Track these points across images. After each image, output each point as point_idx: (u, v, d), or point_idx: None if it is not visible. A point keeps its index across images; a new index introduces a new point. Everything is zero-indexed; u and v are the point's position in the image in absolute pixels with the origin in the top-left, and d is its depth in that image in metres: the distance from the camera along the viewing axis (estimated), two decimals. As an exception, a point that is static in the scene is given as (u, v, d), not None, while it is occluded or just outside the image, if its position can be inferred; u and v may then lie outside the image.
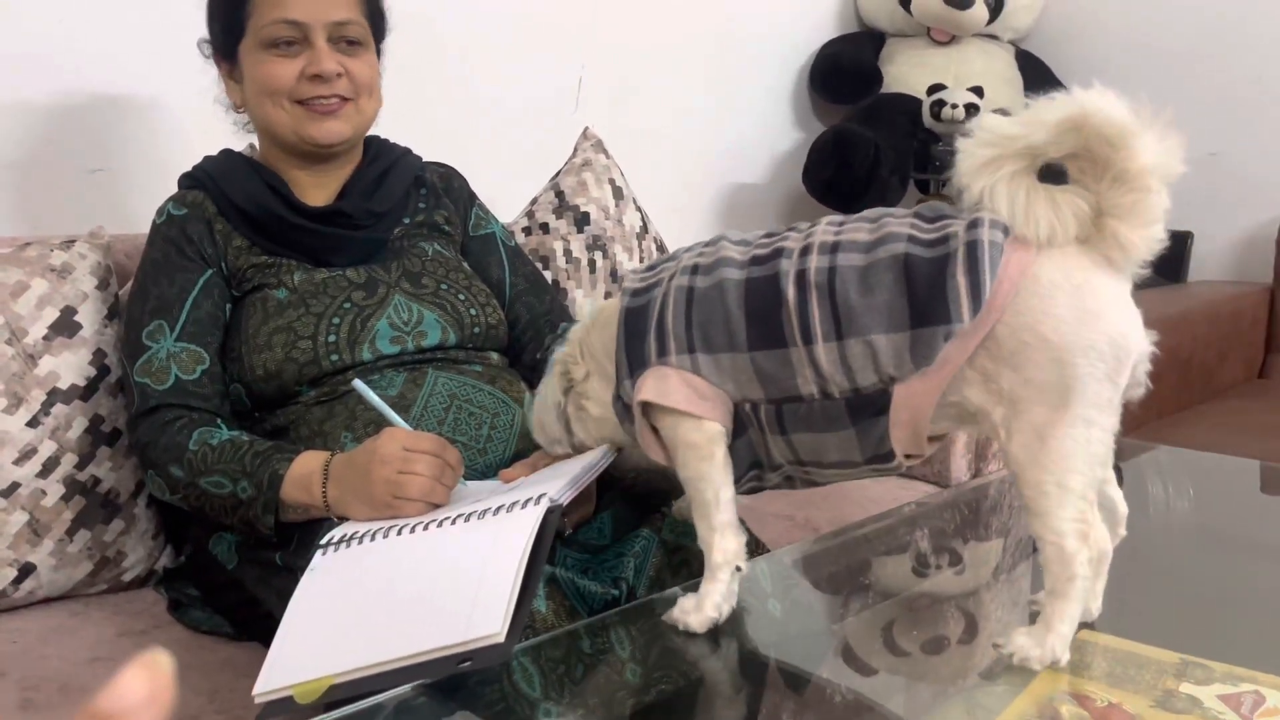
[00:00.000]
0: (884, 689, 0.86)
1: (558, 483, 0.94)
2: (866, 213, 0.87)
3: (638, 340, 0.89)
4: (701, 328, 0.86)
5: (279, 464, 1.09)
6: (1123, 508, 0.88)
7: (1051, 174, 0.80)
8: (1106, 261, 0.77)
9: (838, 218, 0.87)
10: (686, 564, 1.04)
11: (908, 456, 0.86)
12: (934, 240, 0.80)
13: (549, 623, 0.93)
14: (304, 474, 1.07)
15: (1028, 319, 0.76)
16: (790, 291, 0.82)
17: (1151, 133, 0.74)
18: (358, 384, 1.09)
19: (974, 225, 0.78)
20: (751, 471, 0.91)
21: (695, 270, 0.88)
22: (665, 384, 0.87)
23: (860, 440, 0.84)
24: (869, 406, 0.82)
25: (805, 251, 0.84)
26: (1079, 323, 0.75)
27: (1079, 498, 0.76)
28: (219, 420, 1.18)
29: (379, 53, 1.32)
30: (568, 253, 1.78)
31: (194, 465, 1.12)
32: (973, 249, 0.77)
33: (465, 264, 1.37)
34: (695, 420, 0.87)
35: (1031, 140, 0.75)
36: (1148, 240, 0.76)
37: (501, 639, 0.77)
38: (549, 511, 0.88)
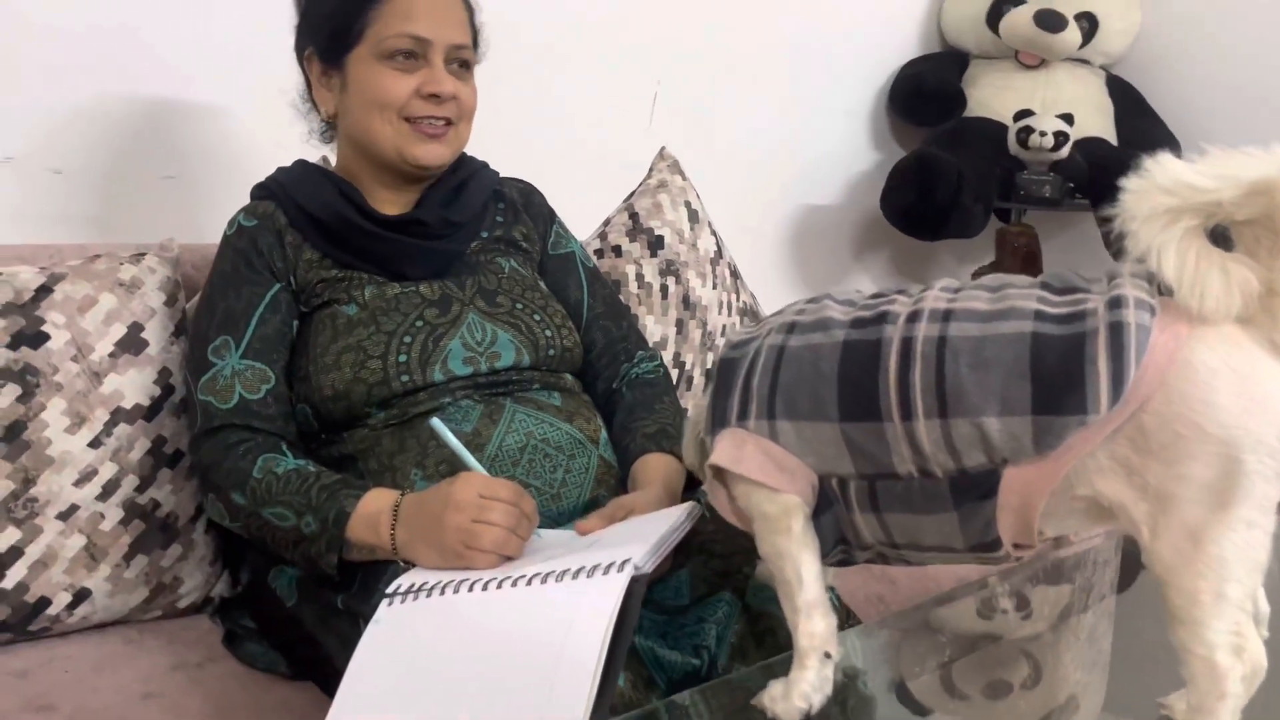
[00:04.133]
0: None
1: (641, 546, 0.88)
2: (985, 279, 0.81)
3: (724, 396, 0.84)
4: (787, 391, 0.80)
5: (346, 500, 1.04)
6: (1265, 606, 0.81)
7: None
8: (1271, 346, 0.69)
9: (953, 283, 0.81)
10: (772, 632, 0.98)
11: (1016, 546, 0.79)
12: (1066, 316, 0.73)
13: (626, 696, 0.88)
14: (372, 513, 1.03)
15: (1183, 409, 0.68)
16: (892, 360, 0.76)
17: None
18: (435, 423, 1.05)
19: (1117, 304, 0.71)
20: (839, 547, 0.85)
21: (792, 329, 0.83)
22: (741, 450, 0.81)
23: (963, 525, 0.77)
24: (975, 488, 0.75)
25: (913, 318, 0.77)
26: (1245, 414, 0.67)
27: (1236, 608, 0.68)
28: (284, 444, 1.14)
29: None
30: (640, 277, 1.72)
31: (257, 494, 1.08)
32: (1117, 331, 0.70)
33: (542, 283, 1.32)
34: (770, 490, 0.81)
35: (1218, 197, 0.67)
36: None
37: (583, 727, 0.71)
38: (633, 581, 0.82)
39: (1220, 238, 0.73)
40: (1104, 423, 0.70)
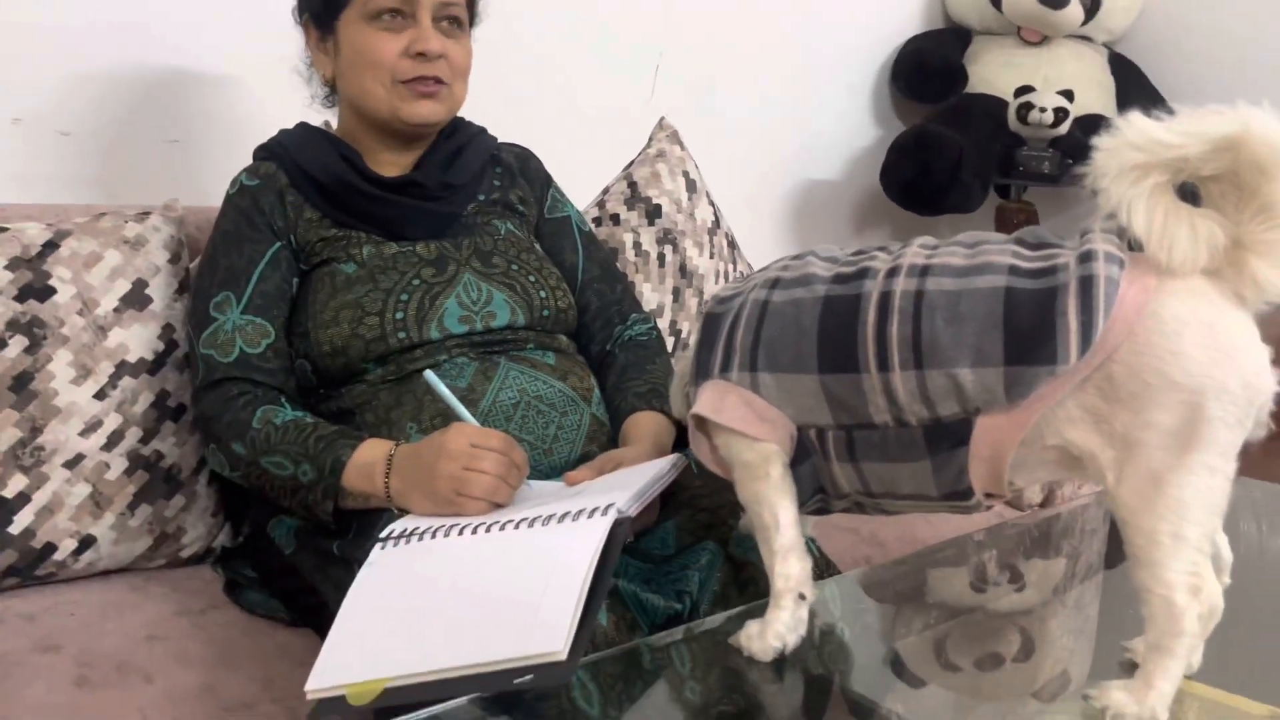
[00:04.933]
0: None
1: (625, 493, 0.91)
2: (962, 236, 0.83)
3: (708, 348, 0.86)
4: (769, 344, 0.82)
5: (343, 450, 1.07)
6: (1227, 554, 0.83)
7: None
8: (1236, 298, 0.72)
9: (931, 240, 0.84)
10: (753, 581, 1.00)
11: (988, 496, 0.82)
12: (1038, 270, 0.75)
13: (610, 636, 0.91)
14: (367, 462, 1.06)
15: (1151, 359, 0.70)
16: (870, 314, 0.78)
17: None
18: (429, 375, 1.07)
19: (1087, 258, 0.73)
20: (816, 496, 0.87)
21: (775, 284, 0.85)
22: (723, 401, 0.84)
23: (936, 473, 0.80)
24: (949, 437, 0.78)
25: (892, 273, 0.80)
26: (1211, 364, 0.70)
27: (1194, 549, 0.70)
28: (283, 397, 1.17)
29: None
30: (637, 245, 1.74)
31: (256, 443, 1.11)
32: (1087, 285, 0.72)
33: (538, 246, 1.35)
34: (750, 439, 0.83)
35: (1185, 153, 0.69)
36: None
37: (564, 657, 0.74)
38: (616, 524, 0.85)
39: (1188, 194, 0.76)
40: (1073, 373, 0.73)
